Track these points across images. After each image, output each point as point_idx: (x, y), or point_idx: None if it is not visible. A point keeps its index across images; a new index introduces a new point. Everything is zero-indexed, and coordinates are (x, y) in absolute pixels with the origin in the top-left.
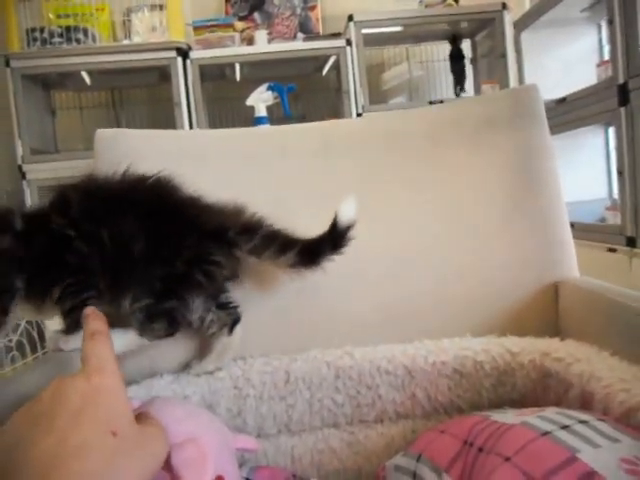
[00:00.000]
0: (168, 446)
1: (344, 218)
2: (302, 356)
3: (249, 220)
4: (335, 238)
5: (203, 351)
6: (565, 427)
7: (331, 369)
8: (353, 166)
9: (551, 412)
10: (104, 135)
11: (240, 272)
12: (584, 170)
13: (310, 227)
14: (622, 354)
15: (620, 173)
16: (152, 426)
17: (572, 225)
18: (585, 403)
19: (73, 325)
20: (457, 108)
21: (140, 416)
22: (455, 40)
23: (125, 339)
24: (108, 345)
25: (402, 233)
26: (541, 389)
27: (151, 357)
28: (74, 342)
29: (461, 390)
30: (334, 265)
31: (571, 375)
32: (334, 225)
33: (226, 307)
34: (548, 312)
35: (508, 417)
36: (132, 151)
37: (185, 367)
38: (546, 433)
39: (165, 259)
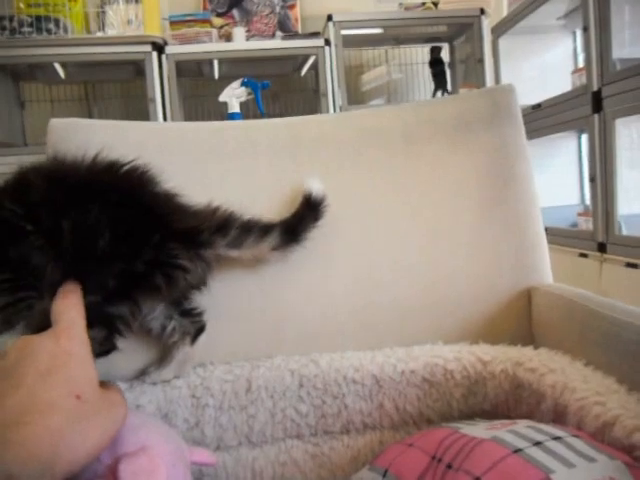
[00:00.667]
0: (126, 413)
1: (315, 190)
2: (265, 363)
3: (222, 215)
4: (312, 209)
5: (162, 359)
6: (538, 444)
7: (295, 377)
8: (324, 163)
9: (523, 426)
10: (57, 125)
11: (209, 279)
12: (557, 176)
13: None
14: (596, 364)
15: (592, 180)
16: (113, 393)
17: (545, 230)
18: (558, 416)
19: (3, 324)
20: (433, 107)
21: (103, 383)
22: (435, 49)
23: None
24: (79, 307)
25: (373, 235)
26: (513, 400)
27: (103, 364)
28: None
29: (430, 400)
30: (301, 265)
31: (544, 386)
32: (308, 199)
33: (190, 314)
34: (522, 319)
35: (478, 430)
36: (89, 143)
37: (141, 374)
38: (518, 450)
39: (124, 256)
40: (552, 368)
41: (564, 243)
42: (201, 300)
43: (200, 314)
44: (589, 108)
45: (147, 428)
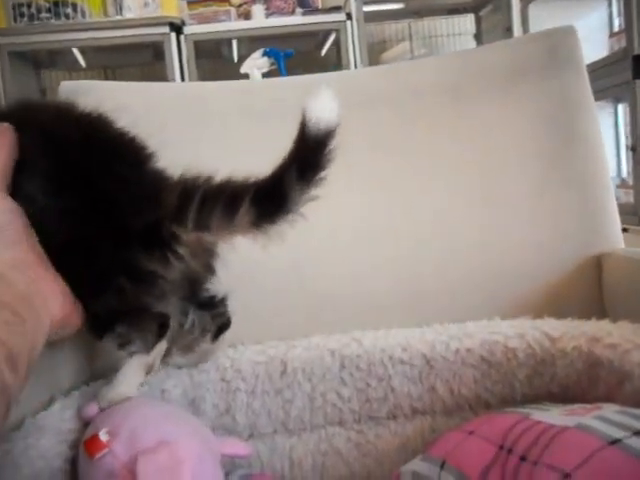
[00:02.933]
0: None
1: (318, 118)
2: (301, 343)
3: (183, 191)
4: (307, 156)
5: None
6: (638, 433)
7: (336, 358)
8: (360, 128)
9: (611, 411)
10: (68, 88)
11: (214, 262)
12: None
13: None
14: None
15: (633, 149)
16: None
17: None
18: None
19: None
20: (482, 55)
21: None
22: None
23: None
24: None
25: (418, 206)
26: (587, 380)
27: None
28: None
29: (489, 382)
30: (336, 236)
31: (629, 364)
32: (302, 134)
33: (210, 305)
34: (592, 289)
35: (554, 416)
36: (102, 105)
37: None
38: (615, 441)
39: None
40: (638, 343)
41: None
42: (227, 279)
43: (222, 303)
44: (629, 74)
45: (169, 420)
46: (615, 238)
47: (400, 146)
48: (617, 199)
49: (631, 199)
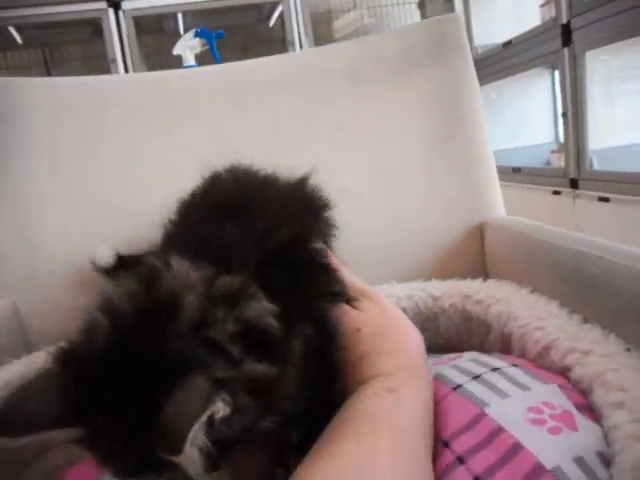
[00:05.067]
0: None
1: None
2: None
3: None
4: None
5: None
6: (476, 377)
7: None
8: (269, 108)
9: (466, 360)
10: None
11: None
12: (532, 115)
13: None
14: (541, 290)
15: (564, 115)
16: None
17: (519, 169)
18: (505, 345)
19: None
20: (377, 42)
21: None
22: None
23: None
24: None
25: (322, 178)
26: (464, 333)
27: None
28: None
29: None
30: None
31: (490, 317)
32: None
33: None
34: (475, 254)
35: None
36: (23, 102)
37: None
38: (457, 387)
39: None
40: (498, 298)
41: (538, 182)
42: None
43: None
44: (559, 42)
45: None
46: (496, 208)
47: (304, 128)
48: (550, 163)
49: (563, 163)
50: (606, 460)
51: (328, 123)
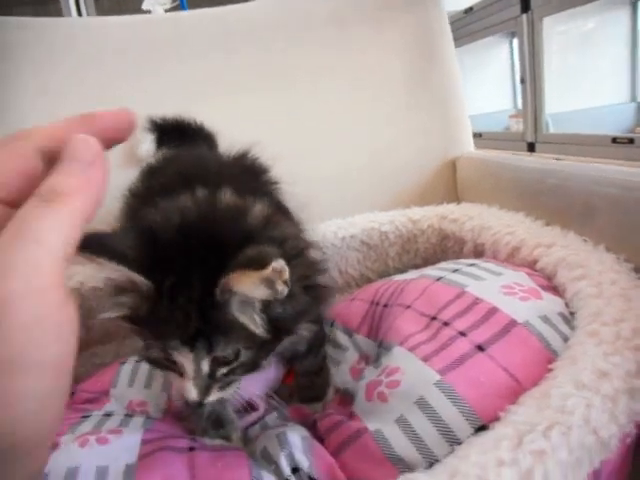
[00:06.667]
0: None
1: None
2: None
3: None
4: None
5: None
6: (455, 270)
7: None
8: (254, 52)
9: (445, 263)
10: None
11: None
12: (492, 82)
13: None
14: (508, 207)
15: (522, 81)
16: None
17: (480, 135)
18: (477, 255)
19: None
20: None
21: None
22: None
23: None
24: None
25: (309, 118)
26: (441, 251)
27: None
28: None
29: (369, 261)
30: None
31: (465, 232)
32: None
33: None
34: (449, 185)
35: (409, 275)
36: (16, 40)
37: None
38: (439, 278)
39: None
40: (471, 215)
41: (497, 147)
42: None
43: None
44: (518, 8)
45: None
46: (467, 144)
47: (289, 70)
48: (508, 128)
49: (521, 127)
50: (567, 320)
51: (313, 66)
